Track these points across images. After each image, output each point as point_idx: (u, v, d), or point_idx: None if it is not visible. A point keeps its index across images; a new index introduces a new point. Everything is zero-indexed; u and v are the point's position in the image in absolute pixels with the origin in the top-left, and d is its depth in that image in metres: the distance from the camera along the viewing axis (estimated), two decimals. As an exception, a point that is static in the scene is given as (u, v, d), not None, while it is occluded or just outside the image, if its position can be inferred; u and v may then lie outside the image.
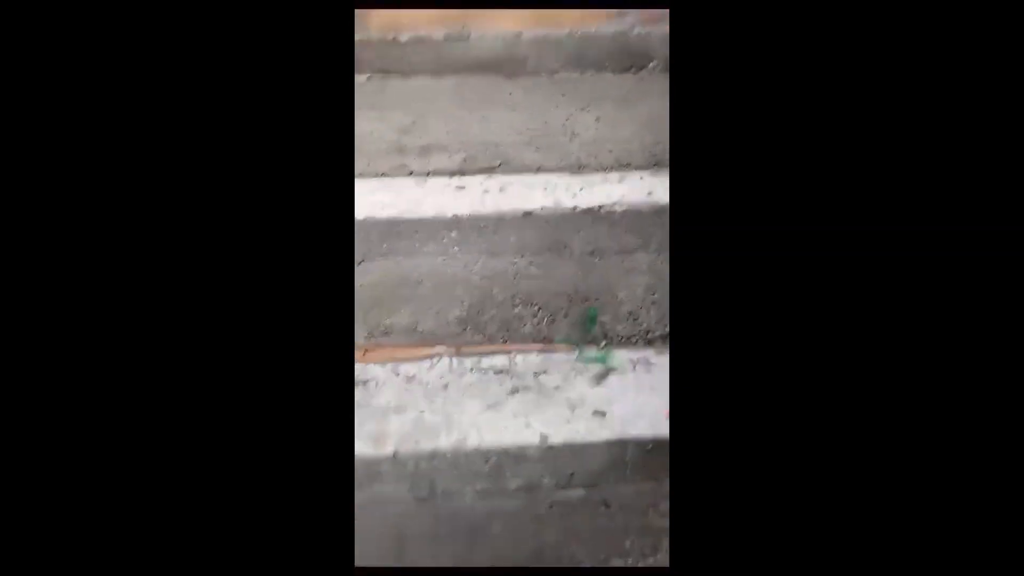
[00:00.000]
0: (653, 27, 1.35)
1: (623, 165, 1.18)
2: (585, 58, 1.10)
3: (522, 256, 0.91)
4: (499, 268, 0.92)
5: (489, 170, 1.16)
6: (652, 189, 0.97)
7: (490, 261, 0.91)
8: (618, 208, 0.90)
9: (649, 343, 0.97)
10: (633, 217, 0.90)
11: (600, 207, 0.90)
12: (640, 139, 1.15)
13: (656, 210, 0.90)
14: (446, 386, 0.84)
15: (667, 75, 1.11)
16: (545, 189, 1.01)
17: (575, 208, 0.90)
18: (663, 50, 1.09)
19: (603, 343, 0.96)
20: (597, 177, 1.10)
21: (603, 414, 0.75)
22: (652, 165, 1.18)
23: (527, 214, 0.89)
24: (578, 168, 1.17)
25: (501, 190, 1.02)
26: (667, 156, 1.18)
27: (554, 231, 0.90)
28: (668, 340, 0.98)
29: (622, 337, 0.97)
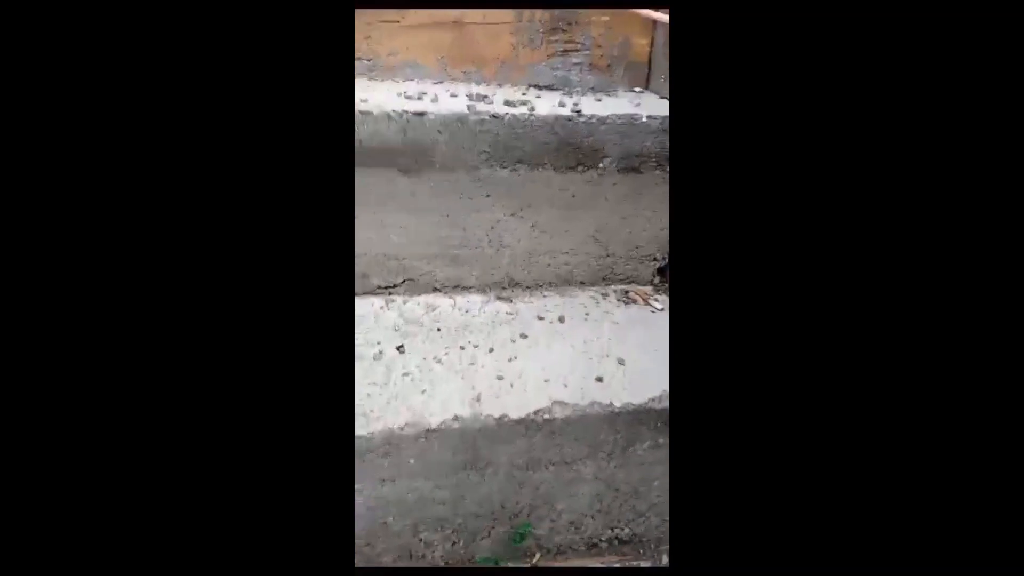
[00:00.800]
0: (605, 94, 1.03)
1: (564, 281, 0.92)
2: (516, 151, 0.81)
3: (425, 479, 0.66)
4: (393, 495, 0.67)
5: (387, 289, 0.87)
6: (602, 370, 0.72)
7: (379, 488, 0.66)
8: (559, 414, 0.66)
9: (592, 547, 0.77)
10: (579, 425, 0.66)
11: (536, 413, 0.66)
12: (585, 250, 0.90)
13: (609, 413, 0.66)
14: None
15: (623, 175, 0.84)
16: (463, 349, 0.75)
17: (502, 418, 0.65)
18: (619, 144, 0.81)
19: (536, 557, 0.75)
20: (530, 308, 0.84)
21: None
22: (600, 280, 0.94)
23: (430, 432, 0.63)
24: (508, 285, 0.90)
25: (399, 347, 0.74)
26: (616, 269, 0.93)
27: (471, 448, 0.66)
28: (614, 543, 0.77)
29: (559, 546, 0.75)
